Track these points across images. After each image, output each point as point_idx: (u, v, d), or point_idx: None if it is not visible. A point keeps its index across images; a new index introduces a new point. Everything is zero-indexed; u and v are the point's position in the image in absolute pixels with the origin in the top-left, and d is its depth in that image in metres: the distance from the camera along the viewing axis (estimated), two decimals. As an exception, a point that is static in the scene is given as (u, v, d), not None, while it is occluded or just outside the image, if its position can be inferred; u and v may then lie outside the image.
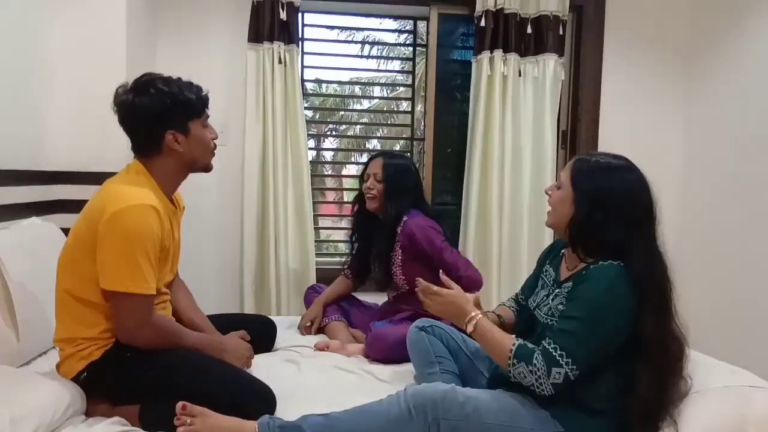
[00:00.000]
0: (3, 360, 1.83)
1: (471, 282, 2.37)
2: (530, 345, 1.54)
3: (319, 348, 2.38)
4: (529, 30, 3.26)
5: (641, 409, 1.49)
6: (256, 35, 3.10)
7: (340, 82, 4.42)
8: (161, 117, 1.78)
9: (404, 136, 4.07)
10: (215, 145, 1.95)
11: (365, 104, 10.02)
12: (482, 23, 3.21)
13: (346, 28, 4.01)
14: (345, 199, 4.26)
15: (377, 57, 7.75)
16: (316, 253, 3.31)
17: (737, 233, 3.05)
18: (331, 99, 7.46)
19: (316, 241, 3.35)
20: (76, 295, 1.72)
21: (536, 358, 1.49)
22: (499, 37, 3.22)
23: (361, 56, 5.69)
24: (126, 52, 2.71)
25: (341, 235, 4.31)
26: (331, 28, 3.70)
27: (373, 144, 7.81)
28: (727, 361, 1.82)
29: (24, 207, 2.39)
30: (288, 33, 3.13)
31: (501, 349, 1.56)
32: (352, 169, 8.32)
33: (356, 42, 7.75)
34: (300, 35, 3.32)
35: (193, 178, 1.95)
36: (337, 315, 2.66)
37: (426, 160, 3.51)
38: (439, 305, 1.71)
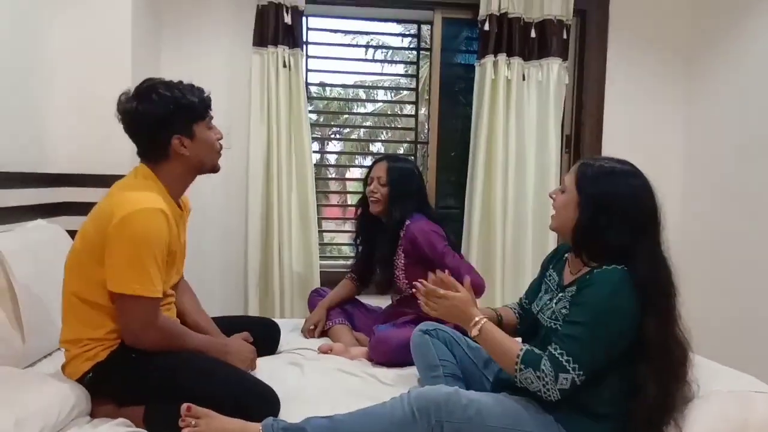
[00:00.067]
0: (8, 361, 1.83)
1: (474, 287, 2.36)
2: (537, 351, 1.53)
3: (323, 351, 2.38)
4: (533, 34, 3.27)
5: (645, 413, 1.49)
6: (261, 39, 3.12)
7: (344, 86, 4.43)
8: (166, 122, 1.79)
9: (408, 139, 4.06)
10: (221, 146, 1.96)
11: (369, 107, 10.06)
12: (486, 27, 3.22)
13: (350, 32, 4.01)
14: (349, 202, 4.26)
15: (381, 61, 7.76)
16: (319, 256, 3.31)
17: (738, 235, 3.05)
18: (335, 102, 7.47)
19: (319, 244, 3.35)
20: (82, 297, 1.73)
21: (544, 364, 1.49)
22: (503, 41, 3.23)
23: (365, 60, 5.69)
24: (131, 56, 2.72)
25: (345, 238, 4.31)
26: (335, 31, 3.71)
27: (377, 147, 7.81)
28: (730, 366, 1.82)
29: (29, 209, 2.40)
30: (292, 37, 3.14)
31: (507, 355, 1.56)
32: (356, 172, 8.34)
33: (360, 46, 7.77)
34: (304, 39, 3.34)
35: (197, 180, 1.96)
36: (341, 318, 2.66)
37: (430, 163, 3.52)
38: (444, 308, 1.71)
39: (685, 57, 3.49)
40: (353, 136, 8.03)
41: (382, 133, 8.62)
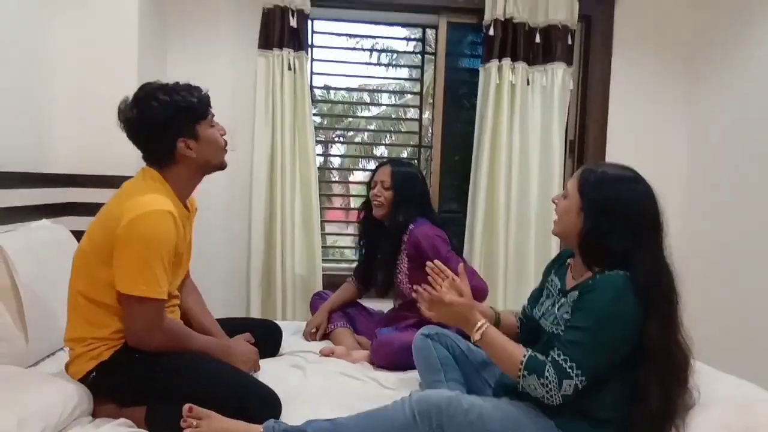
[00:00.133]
0: (11, 361, 1.84)
1: (476, 291, 2.35)
2: (540, 357, 1.53)
3: (325, 354, 2.38)
4: (537, 39, 3.27)
5: (647, 419, 1.49)
6: (266, 42, 3.13)
7: (348, 89, 4.44)
8: (169, 127, 1.79)
9: (412, 143, 4.07)
10: (226, 141, 1.95)
11: (373, 111, 10.07)
12: (491, 32, 3.22)
13: (355, 36, 4.02)
14: (352, 205, 4.27)
15: (386, 64, 7.77)
16: (322, 259, 3.32)
17: (742, 237, 3.05)
18: (339, 105, 7.49)
19: (322, 247, 3.36)
20: (89, 297, 1.74)
21: (548, 370, 1.49)
22: (508, 46, 3.24)
23: (370, 63, 5.70)
24: (137, 57, 2.73)
25: (348, 241, 4.32)
26: (340, 35, 3.72)
27: (381, 151, 7.82)
28: (731, 372, 1.82)
29: (34, 209, 2.41)
30: (298, 40, 3.15)
31: (510, 360, 1.56)
32: (359, 175, 8.34)
33: (365, 49, 7.78)
34: (309, 42, 3.35)
35: (201, 182, 1.97)
36: (343, 321, 2.67)
37: (433, 167, 3.52)
38: (446, 314, 1.71)
39: (690, 63, 3.49)
40: (357, 140, 8.04)
41: (386, 136, 8.63)
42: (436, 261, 1.80)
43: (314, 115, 3.43)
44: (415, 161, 3.60)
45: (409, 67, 6.87)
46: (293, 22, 3.11)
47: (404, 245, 2.51)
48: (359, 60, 7.02)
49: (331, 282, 3.10)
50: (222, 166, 1.95)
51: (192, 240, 2.02)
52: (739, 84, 3.14)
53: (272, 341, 2.37)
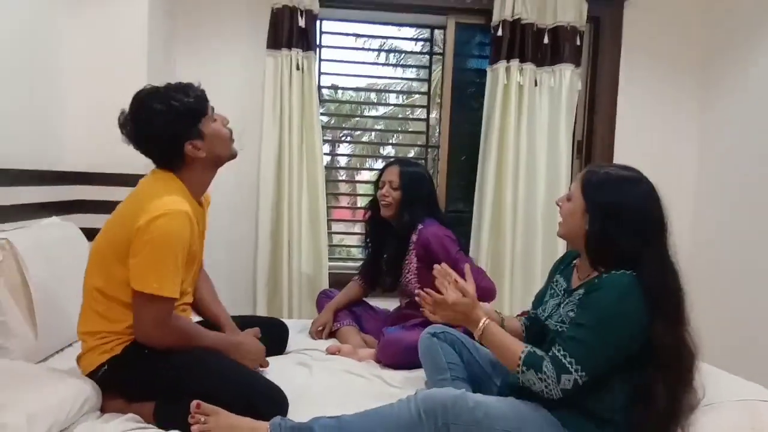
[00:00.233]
0: (21, 356, 1.86)
1: (484, 292, 2.37)
2: (539, 352, 1.54)
3: (331, 352, 2.39)
4: (545, 40, 3.27)
5: (652, 419, 1.49)
6: (275, 42, 3.14)
7: (356, 89, 4.45)
8: (173, 135, 1.79)
9: (419, 143, 4.07)
10: (230, 130, 1.93)
11: (381, 111, 10.07)
12: (499, 33, 3.23)
13: (363, 36, 4.03)
14: (358, 204, 4.28)
15: (393, 64, 7.78)
16: (329, 258, 3.33)
17: (752, 243, 3.03)
18: (347, 105, 7.50)
19: (329, 245, 3.37)
20: (105, 294, 1.76)
21: (546, 365, 1.50)
22: (516, 47, 3.24)
23: (377, 63, 5.70)
24: (147, 57, 2.75)
25: (354, 239, 4.32)
26: (349, 35, 3.73)
27: (388, 150, 7.83)
28: (739, 374, 1.82)
29: (44, 206, 2.43)
30: (306, 40, 3.16)
31: (510, 355, 1.57)
32: (366, 175, 8.34)
33: (373, 49, 7.78)
34: (318, 42, 3.36)
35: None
36: (349, 320, 2.67)
37: (440, 167, 3.53)
38: (450, 316, 1.71)
39: (698, 64, 3.48)
40: (364, 139, 8.04)
41: (393, 136, 8.64)
42: (443, 264, 1.80)
43: (322, 114, 3.44)
44: (423, 161, 3.60)
45: (416, 67, 6.89)
46: (302, 23, 3.12)
47: (413, 245, 2.51)
48: (367, 60, 7.02)
49: (338, 280, 3.11)
50: (233, 156, 1.95)
51: (205, 231, 2.01)
52: (748, 86, 3.13)
53: (279, 339, 2.38)
